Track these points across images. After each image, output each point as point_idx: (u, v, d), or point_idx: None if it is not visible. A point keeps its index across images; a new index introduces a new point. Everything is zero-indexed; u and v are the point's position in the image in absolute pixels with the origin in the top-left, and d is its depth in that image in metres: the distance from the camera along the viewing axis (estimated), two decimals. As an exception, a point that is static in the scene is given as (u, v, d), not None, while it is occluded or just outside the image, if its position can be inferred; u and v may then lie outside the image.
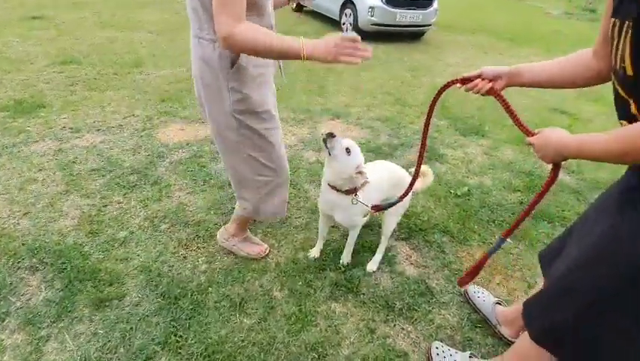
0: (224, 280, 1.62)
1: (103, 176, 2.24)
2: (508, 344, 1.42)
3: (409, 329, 1.49)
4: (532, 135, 0.98)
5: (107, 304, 1.48)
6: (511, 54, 6.22)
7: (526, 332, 1.08)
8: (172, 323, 1.42)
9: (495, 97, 1.08)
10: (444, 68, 5.13)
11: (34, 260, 1.65)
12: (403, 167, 1.76)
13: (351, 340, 1.43)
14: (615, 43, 0.76)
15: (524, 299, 1.40)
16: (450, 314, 1.57)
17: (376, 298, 1.60)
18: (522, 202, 2.32)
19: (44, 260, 1.65)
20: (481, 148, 2.99)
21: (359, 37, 1.02)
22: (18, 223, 1.85)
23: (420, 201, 2.23)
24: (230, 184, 2.25)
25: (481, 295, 1.60)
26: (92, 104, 3.15)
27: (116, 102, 3.21)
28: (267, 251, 1.77)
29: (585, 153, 0.83)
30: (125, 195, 2.10)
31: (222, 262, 1.71)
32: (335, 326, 1.47)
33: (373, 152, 2.76)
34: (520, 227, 2.01)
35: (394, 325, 1.50)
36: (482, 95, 1.10)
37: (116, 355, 1.31)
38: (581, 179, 2.63)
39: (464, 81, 1.11)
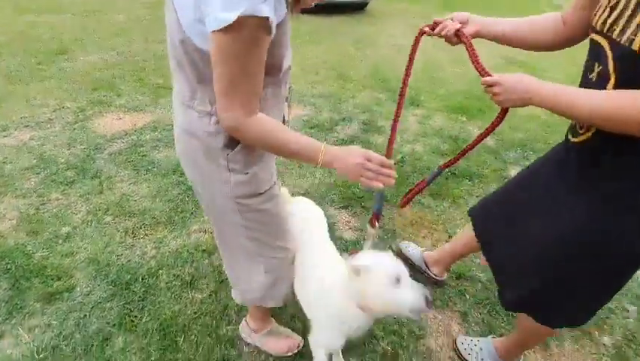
0: (174, 262, 1.72)
1: (37, 174, 2.18)
2: (437, 284, 1.68)
3: (347, 284, 1.70)
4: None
5: (57, 297, 1.53)
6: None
7: (521, 317, 1.19)
8: (125, 305, 1.51)
9: (462, 41, 1.02)
10: (387, 40, 5.28)
11: (-26, 265, 1.64)
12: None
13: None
14: (628, 14, 0.73)
15: (446, 244, 1.65)
16: (382, 268, 1.79)
17: (318, 261, 1.79)
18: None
19: (-15, 264, 1.64)
20: (415, 118, 3.23)
21: (391, 162, 0.88)
22: (-51, 230, 1.80)
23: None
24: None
25: (410, 248, 1.84)
26: (17, 98, 2.95)
27: (42, 94, 3.03)
28: (301, 345, 1.41)
29: (560, 104, 0.81)
30: (63, 191, 2.07)
31: (170, 246, 1.80)
32: (281, 290, 1.64)
33: (315, 127, 2.90)
34: (444, 186, 2.32)
35: (334, 283, 1.70)
36: (450, 43, 1.06)
37: (73, 340, 1.39)
38: (499, 139, 2.96)
39: (434, 26, 1.07)
